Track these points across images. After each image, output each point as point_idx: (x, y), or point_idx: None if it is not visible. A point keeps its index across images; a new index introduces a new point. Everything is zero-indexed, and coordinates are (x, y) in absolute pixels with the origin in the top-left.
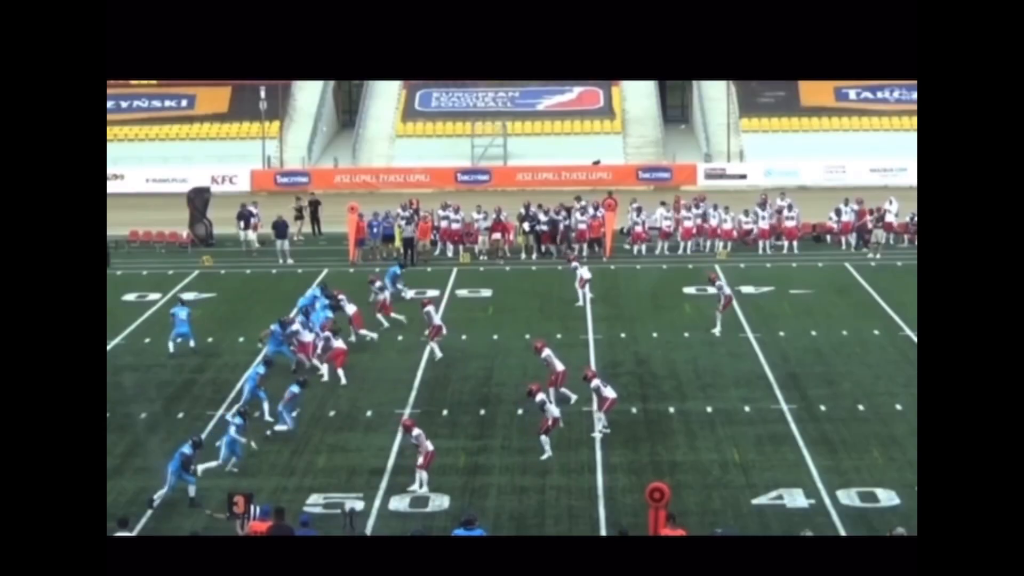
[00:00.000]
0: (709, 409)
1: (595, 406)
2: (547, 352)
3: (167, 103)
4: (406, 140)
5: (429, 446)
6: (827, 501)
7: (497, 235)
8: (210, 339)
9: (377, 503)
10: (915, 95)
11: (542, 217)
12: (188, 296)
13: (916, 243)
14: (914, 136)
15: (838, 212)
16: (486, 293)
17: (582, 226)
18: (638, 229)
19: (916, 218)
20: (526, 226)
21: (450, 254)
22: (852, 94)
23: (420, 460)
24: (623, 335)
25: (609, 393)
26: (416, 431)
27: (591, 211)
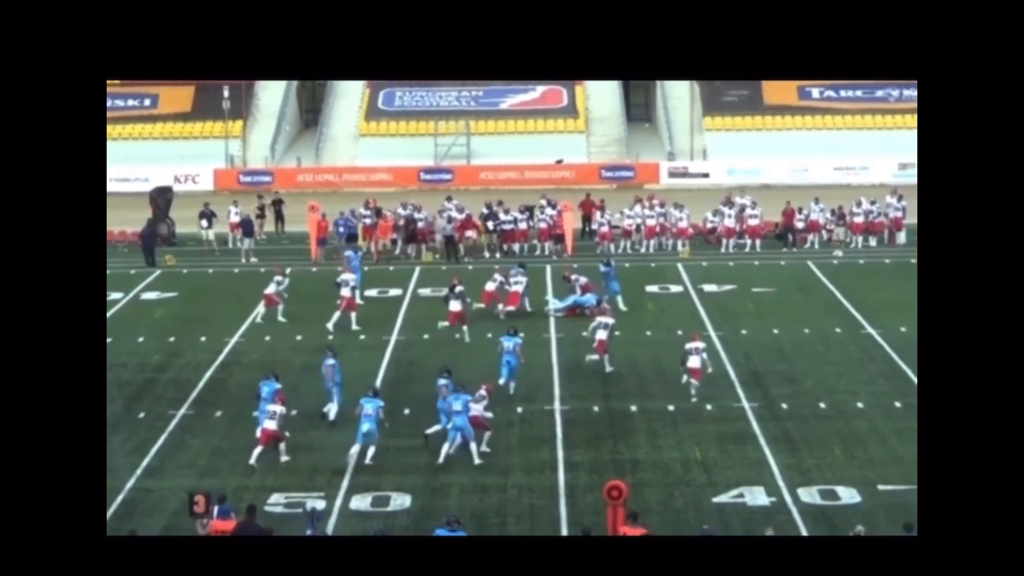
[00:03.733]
0: (671, 407)
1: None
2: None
3: (130, 102)
4: (369, 139)
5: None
6: (788, 499)
7: (471, 233)
8: (172, 339)
9: (339, 502)
10: (877, 93)
11: (503, 216)
12: (150, 296)
13: (877, 242)
14: (876, 135)
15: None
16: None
17: (543, 225)
18: (604, 229)
19: (878, 216)
20: (489, 225)
21: (412, 254)
22: (815, 93)
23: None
24: (584, 334)
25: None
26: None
27: (550, 210)
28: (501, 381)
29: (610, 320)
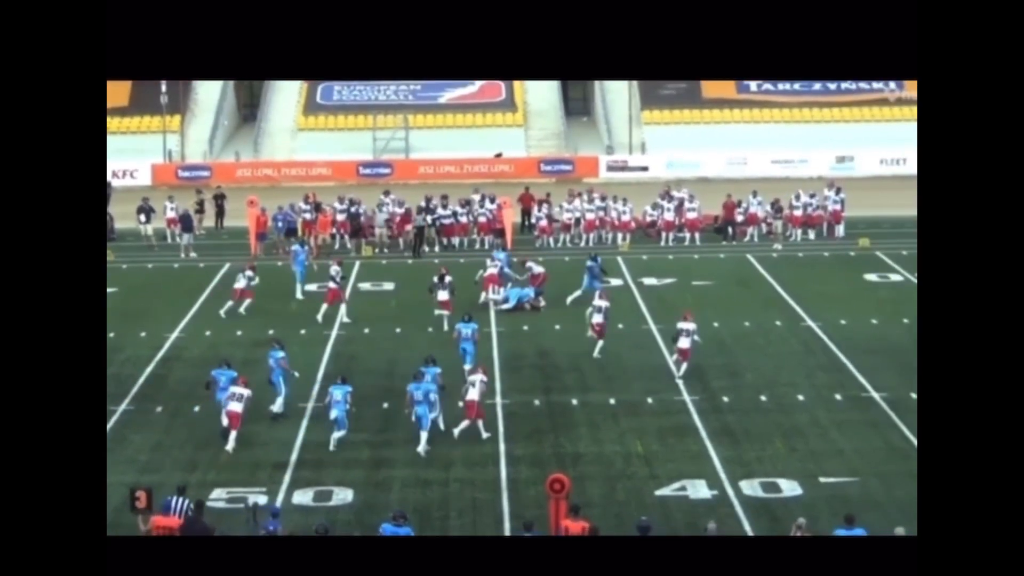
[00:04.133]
0: (612, 401)
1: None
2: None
3: None
4: (308, 134)
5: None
6: (730, 492)
7: (410, 227)
8: (111, 334)
9: (281, 497)
10: (815, 87)
11: (442, 211)
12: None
13: (816, 235)
14: (814, 128)
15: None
16: (388, 287)
17: (483, 219)
18: (543, 223)
19: (816, 209)
20: (429, 219)
21: (351, 247)
22: (753, 86)
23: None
24: (526, 328)
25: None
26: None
27: (489, 203)
28: (467, 367)
29: (605, 303)
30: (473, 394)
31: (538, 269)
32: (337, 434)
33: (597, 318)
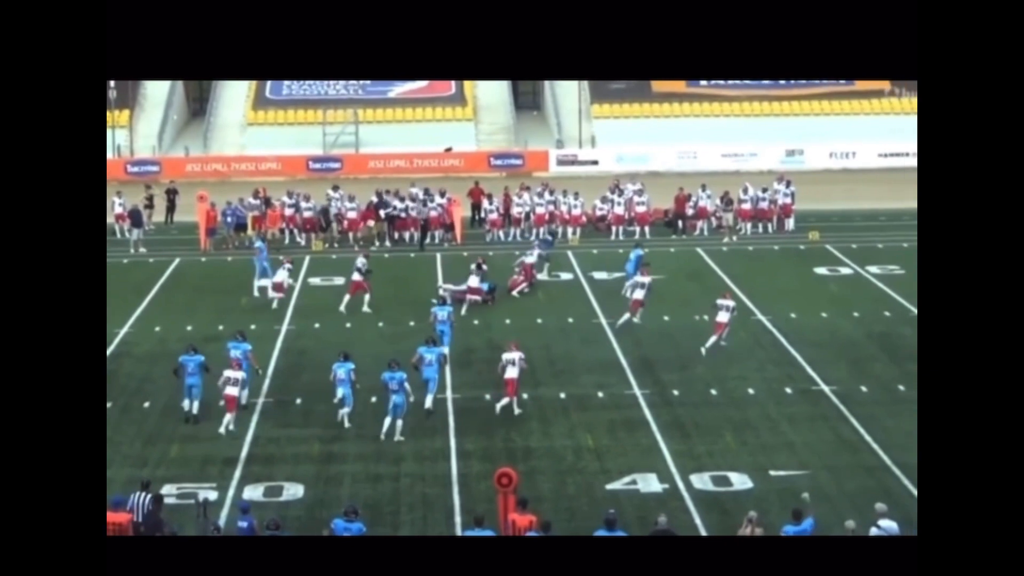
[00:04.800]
0: (562, 395)
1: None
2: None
3: None
4: (257, 128)
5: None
6: (681, 485)
7: (370, 222)
8: None
9: (231, 493)
10: (765, 81)
11: (398, 204)
12: None
13: (764, 229)
14: (764, 122)
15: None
16: (339, 281)
17: (433, 213)
18: (493, 216)
19: (767, 203)
20: (382, 213)
21: (301, 242)
22: (703, 80)
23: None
24: (476, 322)
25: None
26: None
27: (439, 198)
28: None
29: (647, 279)
30: (512, 372)
31: (529, 260)
32: (345, 410)
33: (639, 294)
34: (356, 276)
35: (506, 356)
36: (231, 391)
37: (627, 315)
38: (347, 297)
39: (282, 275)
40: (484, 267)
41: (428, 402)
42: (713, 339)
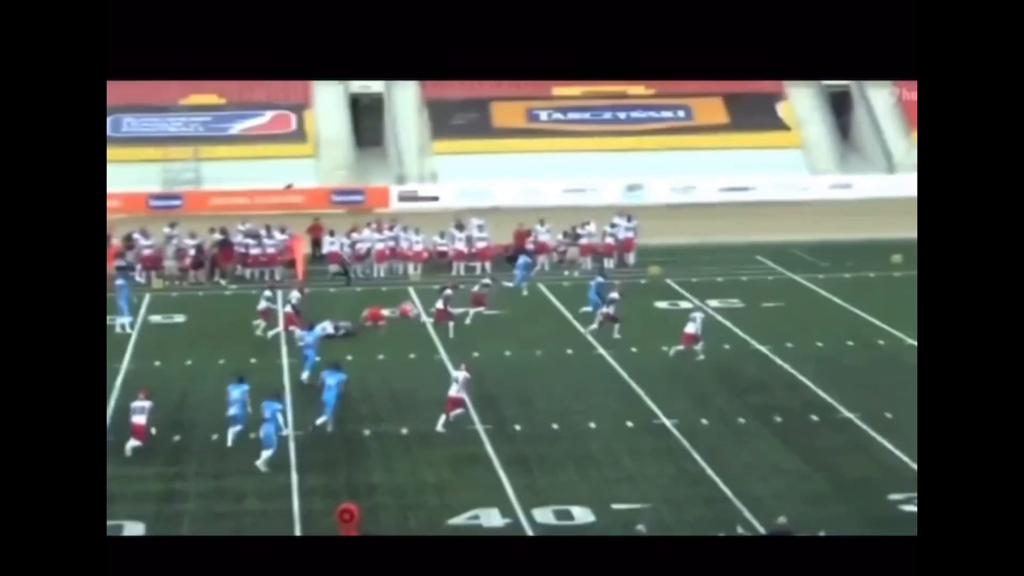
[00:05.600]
0: (404, 431)
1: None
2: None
3: None
4: None
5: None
6: (523, 520)
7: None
8: None
9: None
10: (604, 116)
11: (249, 240)
12: None
13: (605, 264)
14: (604, 156)
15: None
16: (179, 319)
17: (271, 250)
18: (334, 250)
19: (604, 238)
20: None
21: (141, 280)
22: (543, 115)
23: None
24: (318, 358)
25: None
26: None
27: (279, 234)
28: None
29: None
30: (454, 389)
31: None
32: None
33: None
34: (288, 309)
35: (454, 374)
36: (138, 419)
37: (680, 347)
38: (281, 331)
39: (263, 303)
40: (448, 292)
41: (319, 420)
42: (680, 348)
